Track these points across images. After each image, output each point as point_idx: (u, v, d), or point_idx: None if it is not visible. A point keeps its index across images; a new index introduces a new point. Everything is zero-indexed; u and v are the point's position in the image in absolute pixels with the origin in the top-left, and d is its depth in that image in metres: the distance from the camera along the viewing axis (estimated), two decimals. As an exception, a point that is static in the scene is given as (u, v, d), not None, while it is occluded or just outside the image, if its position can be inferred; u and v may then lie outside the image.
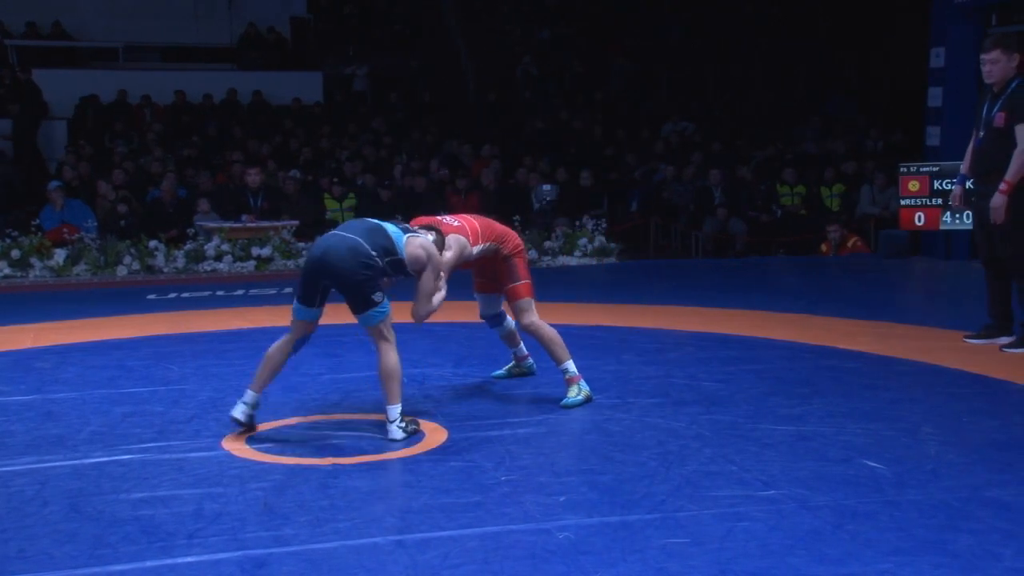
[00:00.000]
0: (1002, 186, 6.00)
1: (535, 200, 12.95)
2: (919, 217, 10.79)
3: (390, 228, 4.70)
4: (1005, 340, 6.29)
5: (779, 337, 6.65)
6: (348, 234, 4.59)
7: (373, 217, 5.06)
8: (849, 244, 11.68)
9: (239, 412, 4.53)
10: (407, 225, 4.88)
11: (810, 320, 7.26)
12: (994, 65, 6.12)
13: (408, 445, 4.39)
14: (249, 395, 4.56)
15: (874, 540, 3.29)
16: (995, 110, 6.13)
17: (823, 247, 11.82)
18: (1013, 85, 6.09)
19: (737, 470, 3.99)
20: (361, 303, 4.50)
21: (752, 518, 3.48)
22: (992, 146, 6.12)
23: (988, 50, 6.16)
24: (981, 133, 6.24)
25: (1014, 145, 5.98)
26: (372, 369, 5.78)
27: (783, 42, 18.13)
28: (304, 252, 11.04)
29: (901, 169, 11.05)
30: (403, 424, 4.51)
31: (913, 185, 10.80)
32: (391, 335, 4.56)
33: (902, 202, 10.91)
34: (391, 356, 4.53)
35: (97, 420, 4.88)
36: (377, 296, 4.51)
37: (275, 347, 4.63)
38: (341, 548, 3.27)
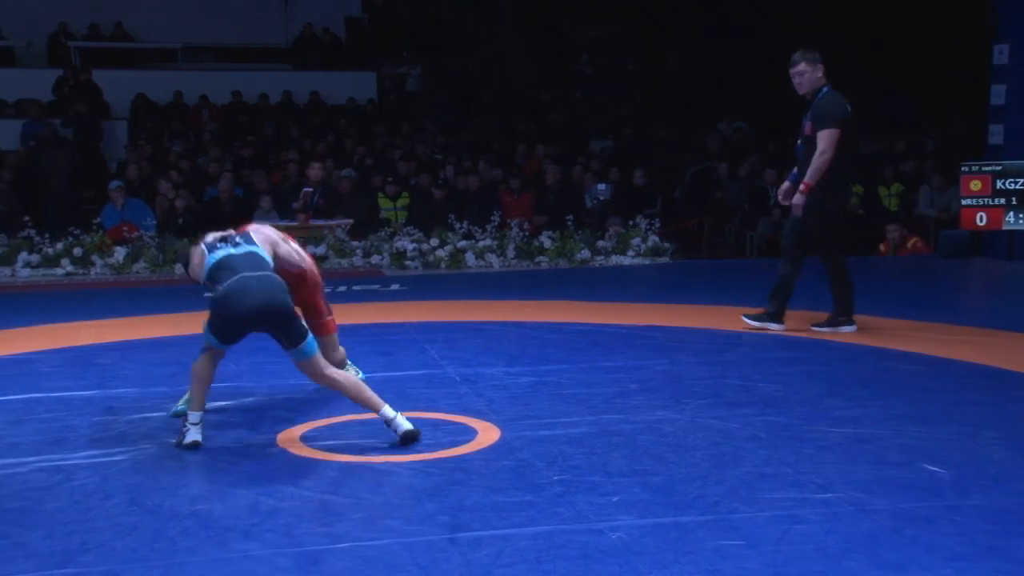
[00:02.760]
0: (802, 186, 6.54)
1: (588, 199, 12.93)
2: (981, 217, 10.58)
3: (261, 252, 4.57)
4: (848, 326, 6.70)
5: (834, 338, 6.56)
6: (267, 273, 4.46)
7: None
8: (909, 245, 11.48)
9: (197, 435, 4.37)
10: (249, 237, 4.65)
11: (866, 321, 7.15)
12: (801, 77, 6.60)
13: (456, 445, 4.40)
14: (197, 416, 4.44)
15: (933, 545, 3.23)
16: (805, 119, 6.59)
17: (881, 247, 11.65)
18: (820, 94, 6.57)
19: (792, 472, 3.95)
20: (296, 335, 4.40)
21: (808, 521, 3.44)
22: (805, 152, 6.59)
23: (795, 63, 6.62)
24: (799, 140, 6.74)
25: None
26: (426, 367, 5.85)
27: (839, 40, 17.91)
28: (358, 251, 11.13)
29: (963, 168, 10.84)
30: (397, 415, 4.46)
31: (975, 184, 10.59)
32: (322, 357, 4.53)
33: (963, 202, 10.70)
34: (340, 373, 4.57)
35: (156, 415, 4.96)
36: (301, 320, 4.51)
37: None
38: (394, 545, 3.29)
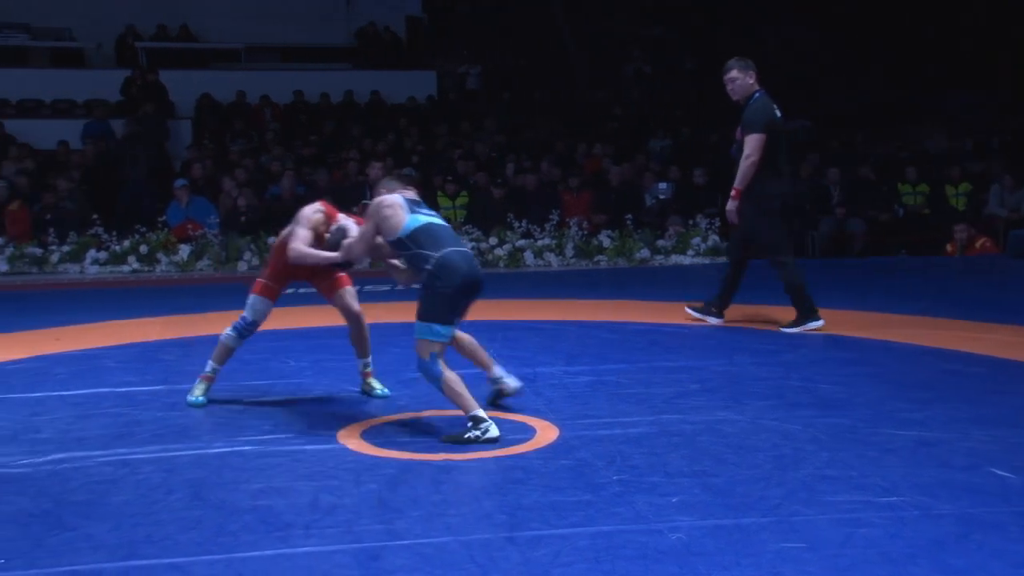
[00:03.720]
0: (732, 192, 6.69)
1: (648, 198, 12.87)
2: (1051, 216, 10.34)
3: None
4: (715, 321, 7.07)
5: (898, 339, 6.46)
6: (466, 248, 4.77)
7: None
8: (977, 245, 11.26)
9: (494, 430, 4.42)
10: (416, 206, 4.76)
11: (931, 322, 7.03)
12: (733, 84, 6.76)
13: (515, 444, 4.40)
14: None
15: (1002, 551, 3.16)
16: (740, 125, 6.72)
17: (948, 247, 11.44)
18: (752, 100, 6.69)
19: (856, 475, 3.88)
20: None
21: (871, 525, 3.38)
22: (737, 156, 6.72)
23: (728, 71, 6.79)
24: (734, 146, 6.86)
25: None
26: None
27: (903, 35, 17.61)
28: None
29: (1032, 167, 10.61)
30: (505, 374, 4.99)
31: (1045, 183, 10.36)
32: None
33: (1033, 201, 10.47)
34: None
35: (218, 411, 5.03)
36: None
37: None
38: (453, 543, 3.30)
